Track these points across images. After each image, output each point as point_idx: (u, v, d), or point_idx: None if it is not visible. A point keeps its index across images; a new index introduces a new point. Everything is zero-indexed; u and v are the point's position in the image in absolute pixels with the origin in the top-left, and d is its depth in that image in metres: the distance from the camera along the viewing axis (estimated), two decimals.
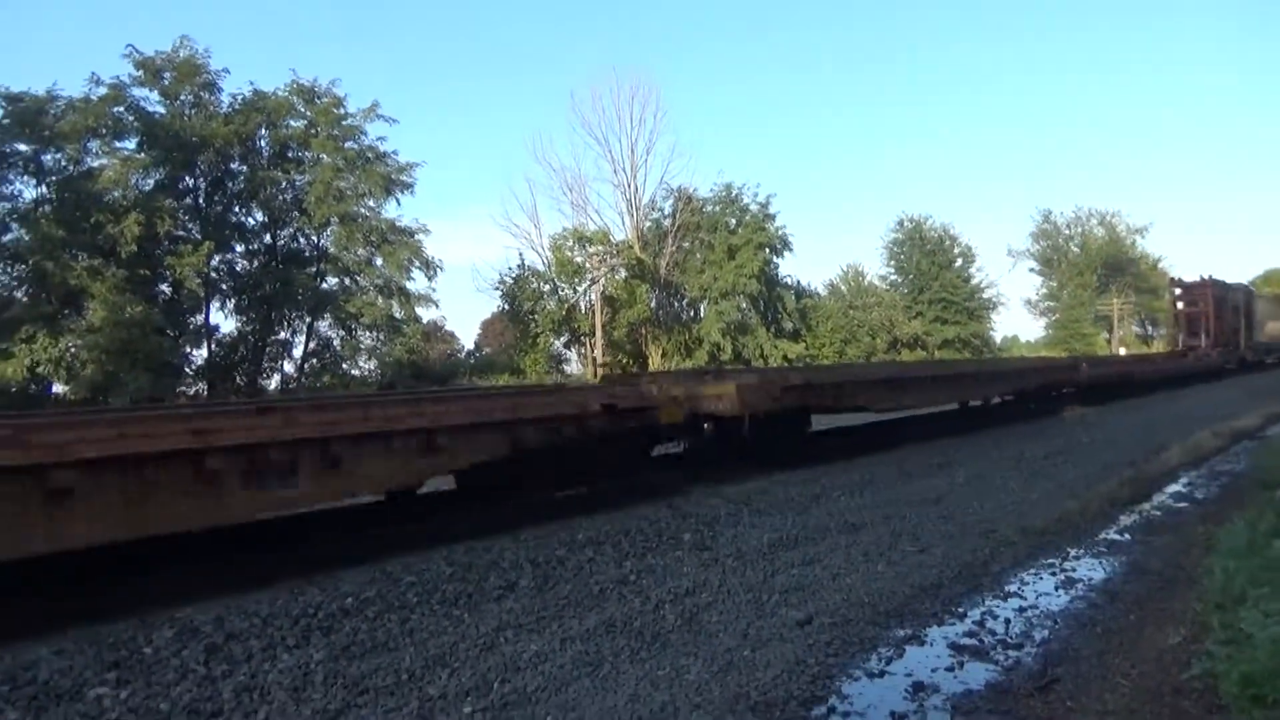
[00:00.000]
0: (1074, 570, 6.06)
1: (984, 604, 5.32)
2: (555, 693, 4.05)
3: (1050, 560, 6.32)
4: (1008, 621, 4.97)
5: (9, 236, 28.45)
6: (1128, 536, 7.06)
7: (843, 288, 59.55)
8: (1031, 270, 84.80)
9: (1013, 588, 5.66)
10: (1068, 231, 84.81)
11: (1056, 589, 5.63)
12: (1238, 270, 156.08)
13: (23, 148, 28.41)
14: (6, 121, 27.83)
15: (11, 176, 28.72)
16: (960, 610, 5.19)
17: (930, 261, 63.51)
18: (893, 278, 65.10)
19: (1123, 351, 59.62)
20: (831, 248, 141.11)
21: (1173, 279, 40.86)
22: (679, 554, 6.51)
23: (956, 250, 65.14)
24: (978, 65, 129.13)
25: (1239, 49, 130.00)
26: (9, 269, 28.68)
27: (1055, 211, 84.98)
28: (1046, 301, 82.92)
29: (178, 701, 3.96)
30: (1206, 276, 34.96)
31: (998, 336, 73.51)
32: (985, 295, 65.74)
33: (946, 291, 62.32)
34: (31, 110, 28.03)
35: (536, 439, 7.66)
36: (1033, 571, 6.05)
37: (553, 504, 8.31)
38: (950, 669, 4.30)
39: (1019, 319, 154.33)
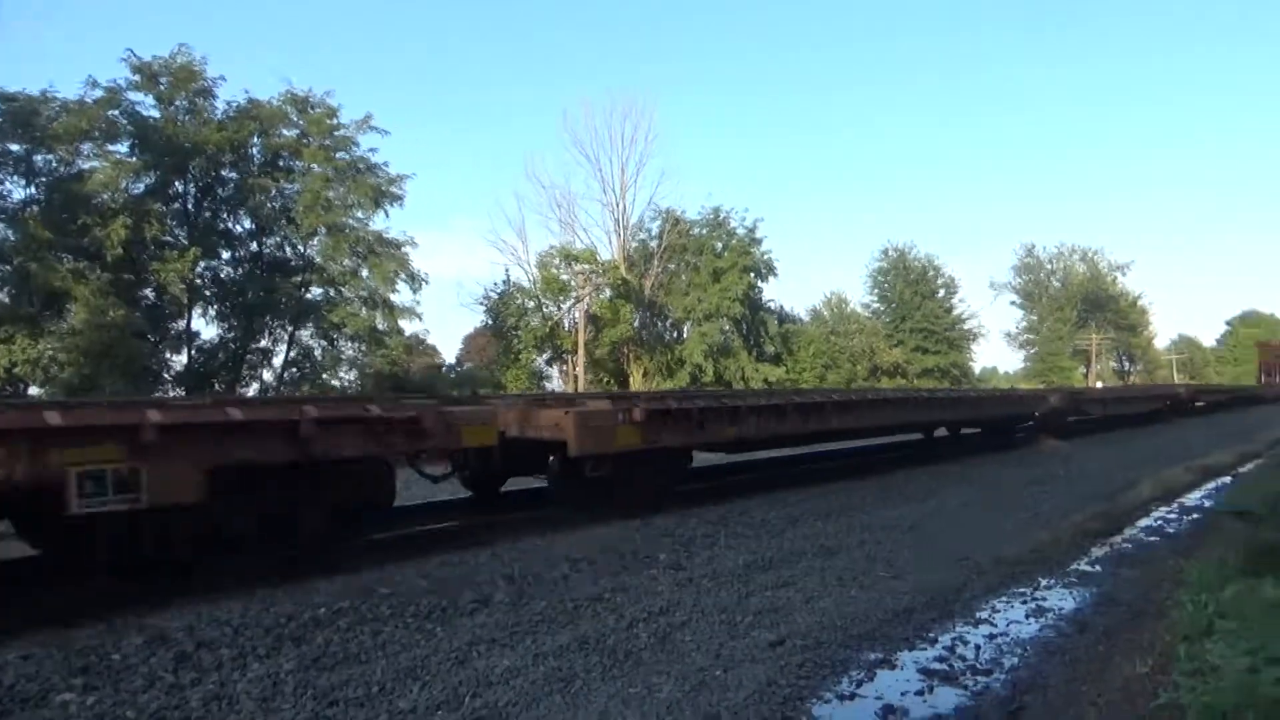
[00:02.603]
0: (1045, 599, 6.11)
1: (955, 630, 5.35)
2: (526, 708, 4.05)
3: (1022, 589, 6.37)
4: (978, 648, 5.01)
5: None
6: (1099, 568, 7.12)
7: (825, 314, 59.85)
8: (1013, 303, 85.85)
9: (984, 615, 5.70)
10: (1049, 266, 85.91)
11: (1027, 617, 5.68)
12: (1216, 311, 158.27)
13: (15, 147, 28.23)
14: (0, 121, 27.66)
15: (1, 176, 28.54)
16: (931, 635, 5.22)
17: (913, 291, 64.03)
18: (875, 305, 65.61)
19: (1099, 385, 60.12)
20: (816, 274, 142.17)
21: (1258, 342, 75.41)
22: (654, 573, 6.52)
23: (939, 281, 65.76)
24: (968, 98, 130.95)
25: (1224, 94, 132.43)
26: None
27: (1038, 246, 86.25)
28: (1026, 334, 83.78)
29: (145, 709, 3.94)
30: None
31: (977, 367, 74.10)
32: (966, 326, 66.35)
33: (928, 321, 62.82)
34: (25, 110, 27.86)
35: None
36: (1004, 599, 6.09)
37: (531, 521, 8.30)
38: (920, 693, 4.33)
39: (999, 351, 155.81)
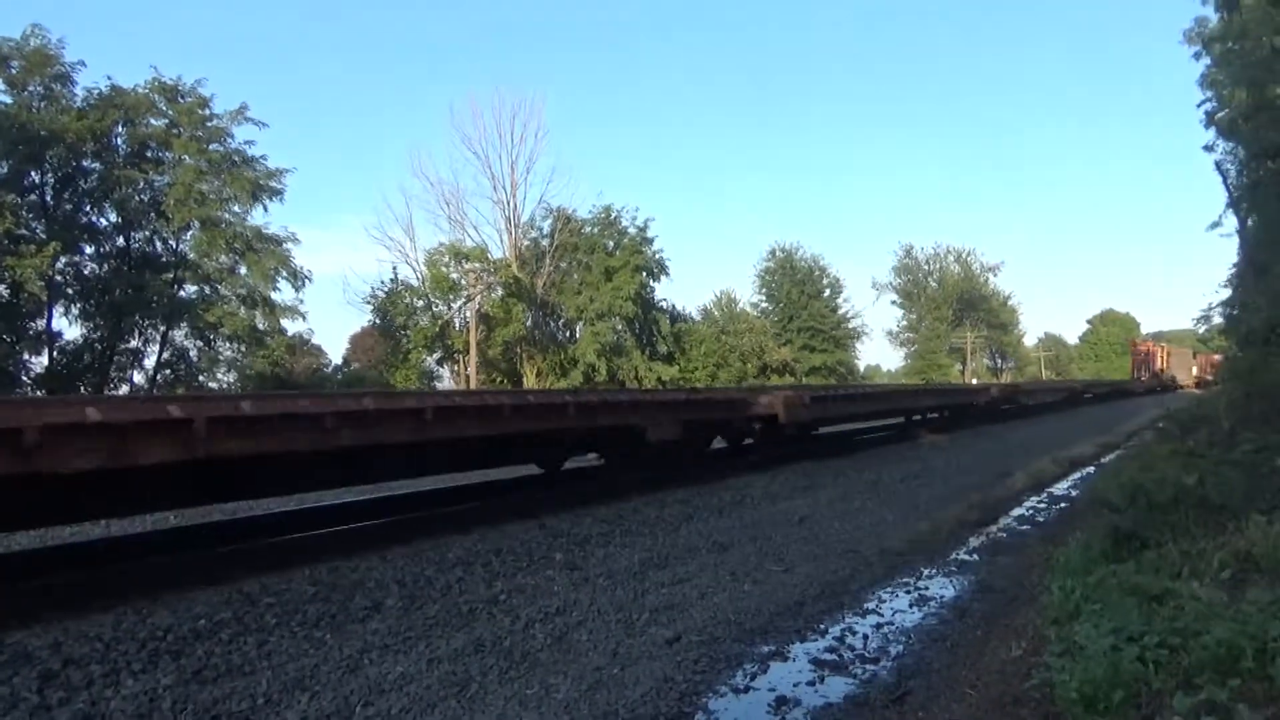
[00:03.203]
0: (927, 589, 6.36)
1: (844, 621, 5.52)
2: (420, 715, 3.97)
3: (906, 579, 6.62)
4: (866, 637, 5.18)
5: None
6: (976, 556, 7.46)
7: (716, 313, 60.78)
8: (893, 303, 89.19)
9: (871, 605, 5.90)
10: (927, 267, 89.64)
11: (911, 606, 5.90)
12: (1078, 310, 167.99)
13: None
14: None
15: None
16: (822, 627, 5.37)
17: (800, 291, 65.72)
18: (764, 305, 67.02)
19: (975, 382, 63.05)
20: (705, 274, 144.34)
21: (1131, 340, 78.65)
22: (550, 573, 6.49)
23: (825, 280, 67.70)
24: (853, 101, 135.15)
25: (1087, 100, 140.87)
26: None
27: (917, 247, 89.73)
28: (906, 333, 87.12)
29: None
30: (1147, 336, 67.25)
31: (861, 365, 76.65)
32: (851, 325, 68.50)
33: (815, 320, 64.60)
34: None
35: None
36: (890, 590, 6.32)
37: (420, 521, 8.14)
38: (812, 683, 4.44)
39: (881, 349, 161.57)
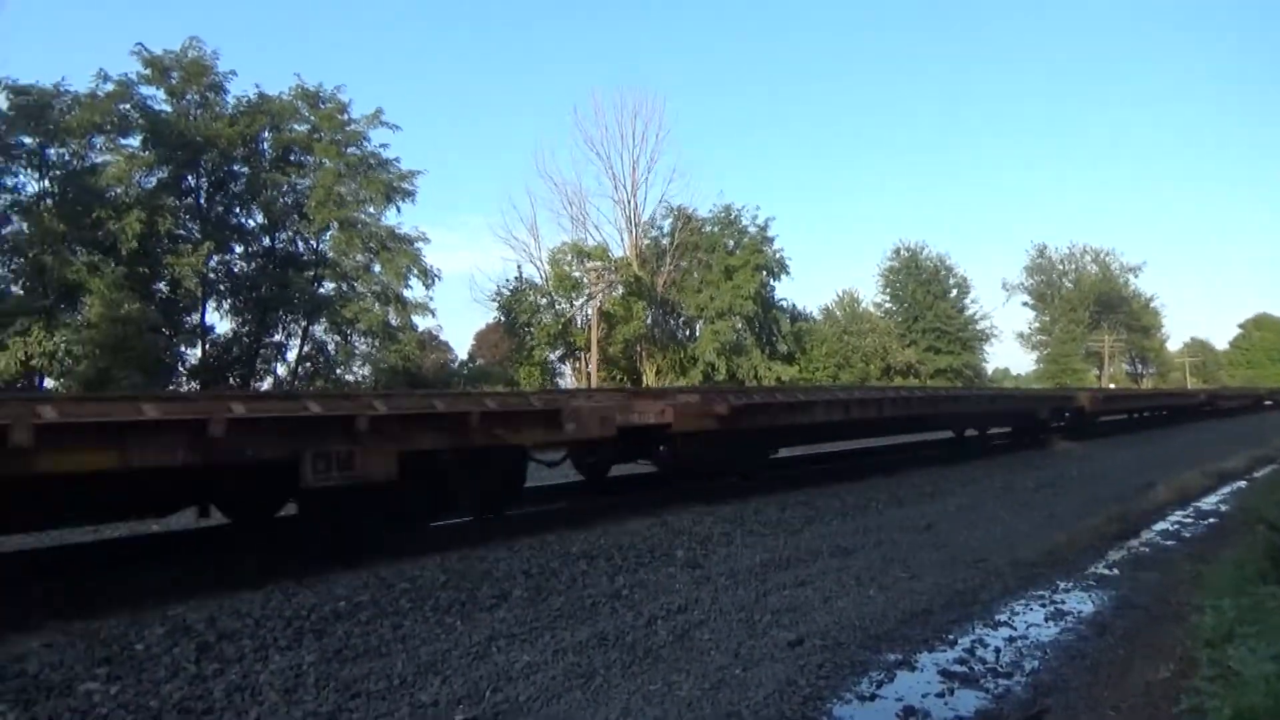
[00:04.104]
0: (1063, 602, 6.09)
1: (974, 632, 5.34)
2: (547, 703, 4.05)
3: (1040, 592, 6.35)
4: (998, 650, 5.00)
5: (9, 229, 28.38)
6: (1116, 571, 7.09)
7: (838, 313, 59.72)
8: (1025, 304, 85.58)
9: (1003, 617, 5.68)
10: (1062, 267, 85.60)
11: (1046, 620, 5.66)
12: (1229, 314, 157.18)
13: (27, 140, 28.39)
14: (11, 114, 27.82)
15: (15, 169, 28.69)
16: (950, 637, 5.21)
17: (925, 291, 63.89)
18: (887, 305, 65.45)
19: (1112, 387, 59.93)
20: (828, 273, 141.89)
21: None
22: (671, 570, 6.52)
23: (952, 281, 65.60)
24: (983, 96, 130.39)
25: (1238, 96, 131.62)
26: (8, 262, 28.58)
27: (1050, 247, 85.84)
28: (1039, 335, 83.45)
29: (168, 699, 3.96)
30: None
31: (990, 368, 73.92)
32: (979, 326, 66.13)
33: (940, 321, 62.66)
34: (37, 104, 28.00)
35: None
36: (1022, 602, 6.08)
37: (547, 515, 8.32)
38: (941, 695, 4.32)
39: (1011, 352, 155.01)
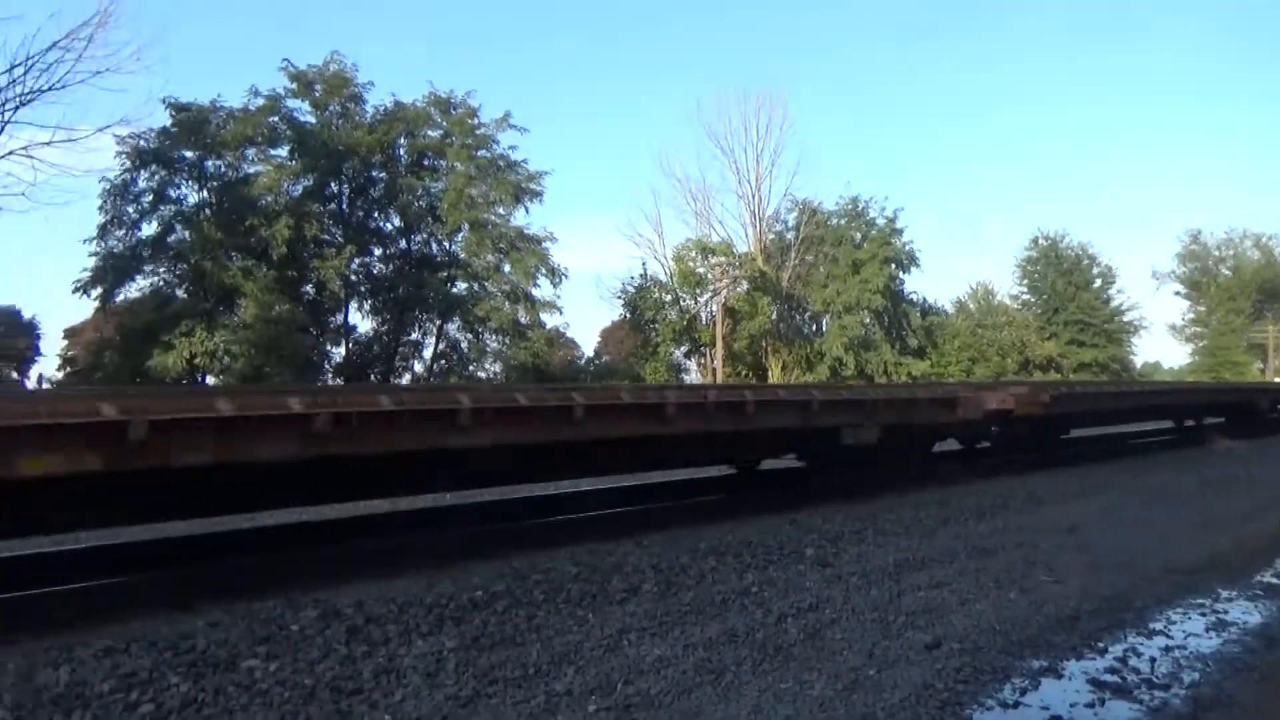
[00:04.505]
0: (1226, 612, 5.69)
1: (1126, 640, 5.05)
2: (678, 698, 4.07)
3: (1200, 600, 5.95)
4: (1153, 660, 4.71)
5: (173, 237, 30.63)
6: None
7: (971, 306, 57.62)
8: (1177, 294, 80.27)
9: (1158, 625, 5.36)
10: (1218, 253, 79.87)
11: (1207, 630, 5.30)
12: None
13: (188, 154, 30.56)
14: (175, 130, 29.99)
15: (178, 181, 30.95)
16: (1100, 645, 4.95)
17: (1066, 281, 60.84)
18: (1025, 297, 62.69)
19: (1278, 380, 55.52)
20: (960, 265, 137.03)
21: None
22: (801, 568, 6.44)
23: (1095, 270, 62.28)
24: (1121, 75, 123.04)
25: None
26: (172, 268, 30.86)
27: (1205, 232, 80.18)
28: (1193, 327, 78.24)
29: (321, 678, 4.18)
30: None
31: (1138, 361, 69.84)
32: (1126, 318, 62.54)
33: (1083, 313, 59.56)
34: (196, 120, 30.13)
35: None
36: (1180, 610, 5.71)
37: (675, 510, 8.37)
38: (1090, 705, 4.11)
39: (1163, 344, 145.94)
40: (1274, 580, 6.57)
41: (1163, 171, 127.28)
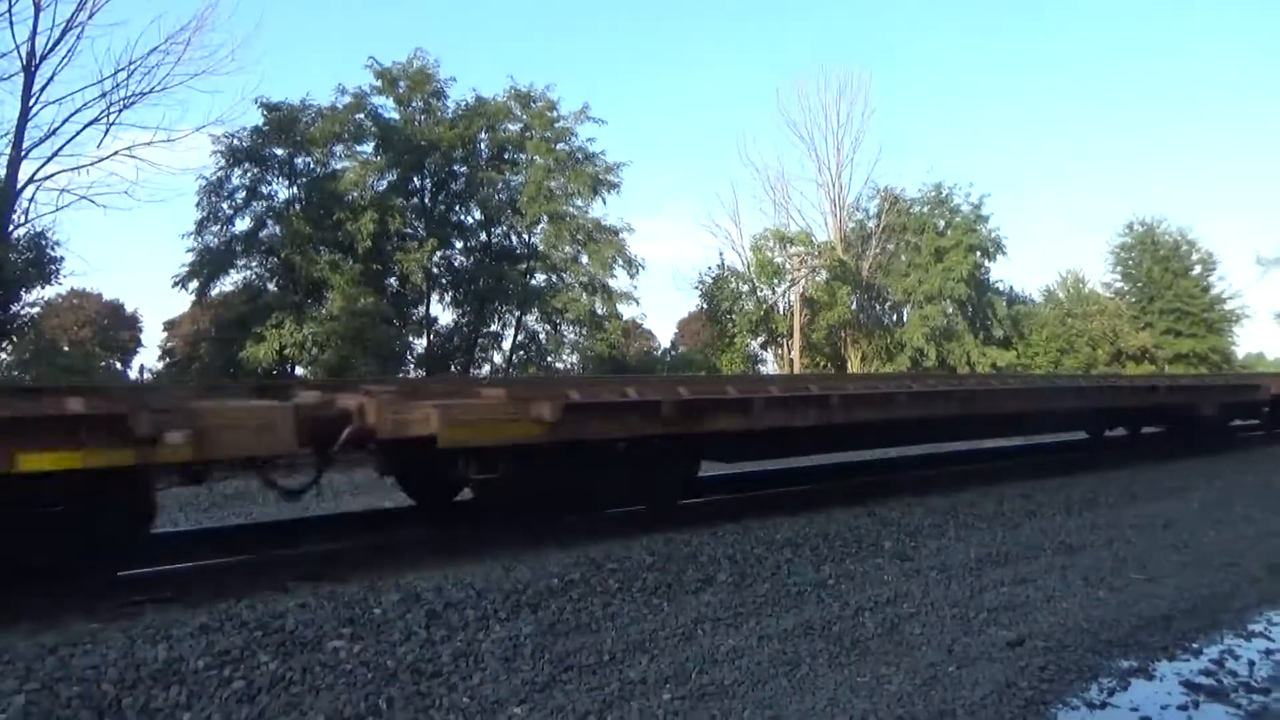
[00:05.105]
0: None
1: (1222, 642, 4.85)
2: (753, 689, 4.06)
3: None
4: (1252, 663, 4.52)
5: (265, 232, 31.69)
6: None
7: (1060, 295, 55.67)
8: None
9: (1258, 628, 5.13)
10: None
11: None
12: None
13: (279, 152, 31.54)
14: (267, 129, 30.98)
15: (270, 178, 31.99)
16: (1194, 646, 4.76)
17: (1163, 269, 58.24)
18: (1118, 285, 60.31)
19: None
20: (1049, 253, 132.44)
21: None
22: (879, 561, 6.35)
23: (1194, 257, 59.44)
24: (1215, 55, 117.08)
25: None
26: (264, 262, 31.94)
27: None
28: None
29: (403, 660, 4.29)
30: None
31: (1240, 352, 66.55)
32: (1227, 306, 59.60)
33: (1181, 301, 56.95)
34: (287, 119, 31.04)
35: None
36: None
37: (752, 501, 8.34)
38: (1183, 708, 3.96)
39: (1268, 334, 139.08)
40: None
41: (1268, 151, 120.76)
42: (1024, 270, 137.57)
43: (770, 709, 3.86)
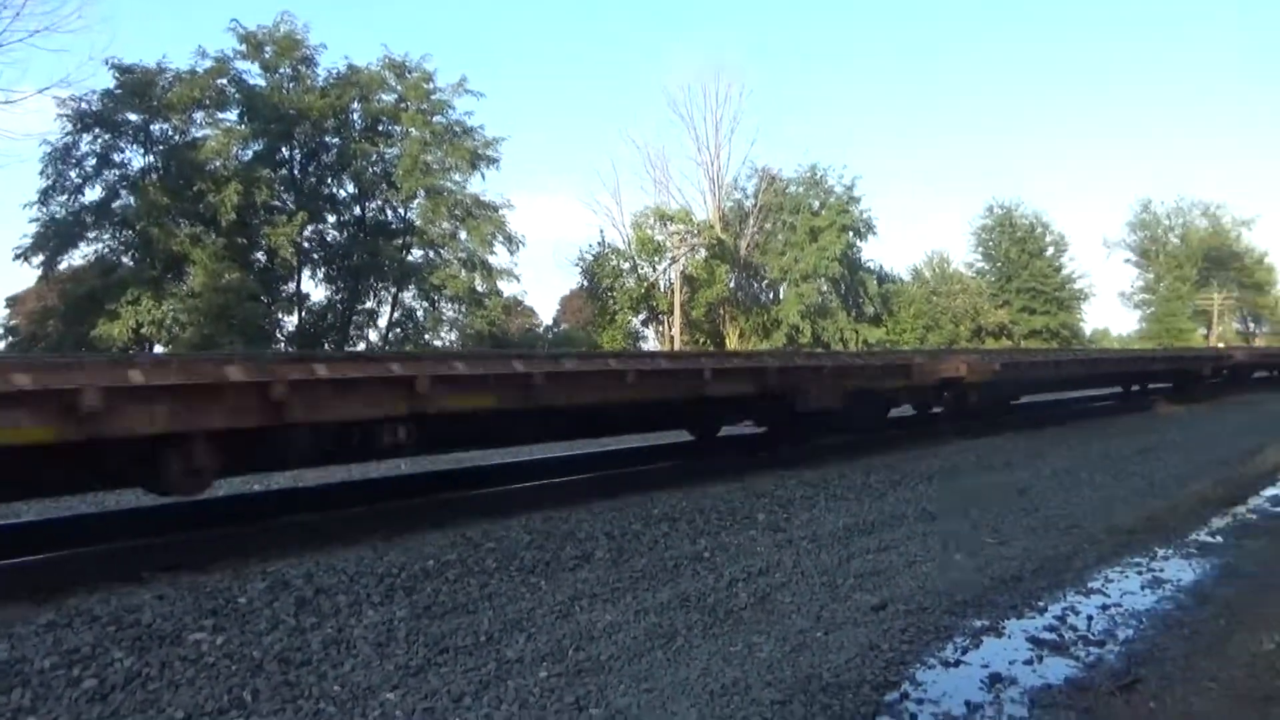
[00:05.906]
0: (1161, 570, 5.87)
1: (1065, 599, 5.20)
2: (629, 662, 4.12)
3: (1137, 559, 6.14)
4: (1090, 618, 4.86)
5: (118, 203, 29.81)
6: (1220, 539, 6.81)
7: (926, 273, 58.26)
8: (1127, 261, 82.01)
9: (1096, 585, 5.52)
10: (1167, 222, 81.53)
11: (1143, 588, 5.48)
12: None
13: (133, 117, 29.65)
14: (119, 91, 29.08)
15: (123, 145, 30.06)
16: (1040, 605, 5.09)
17: (1020, 249, 61.74)
18: (979, 265, 63.53)
19: (1221, 347, 56.99)
20: (916, 233, 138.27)
21: None
22: (753, 533, 6.52)
23: (1048, 238, 63.23)
24: (1073, 46, 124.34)
25: None
26: (118, 234, 30.08)
27: (1155, 201, 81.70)
28: (1142, 294, 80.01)
29: (270, 650, 4.15)
30: None
31: (1088, 329, 71.24)
32: (1076, 285, 63.71)
33: (1036, 280, 60.55)
34: (141, 81, 29.22)
35: None
36: (1118, 569, 5.89)
37: (627, 478, 8.40)
38: (1029, 662, 4.23)
39: (1112, 311, 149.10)
40: (1208, 539, 6.79)
41: (1116, 141, 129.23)
42: (894, 249, 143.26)
43: (645, 681, 3.92)
